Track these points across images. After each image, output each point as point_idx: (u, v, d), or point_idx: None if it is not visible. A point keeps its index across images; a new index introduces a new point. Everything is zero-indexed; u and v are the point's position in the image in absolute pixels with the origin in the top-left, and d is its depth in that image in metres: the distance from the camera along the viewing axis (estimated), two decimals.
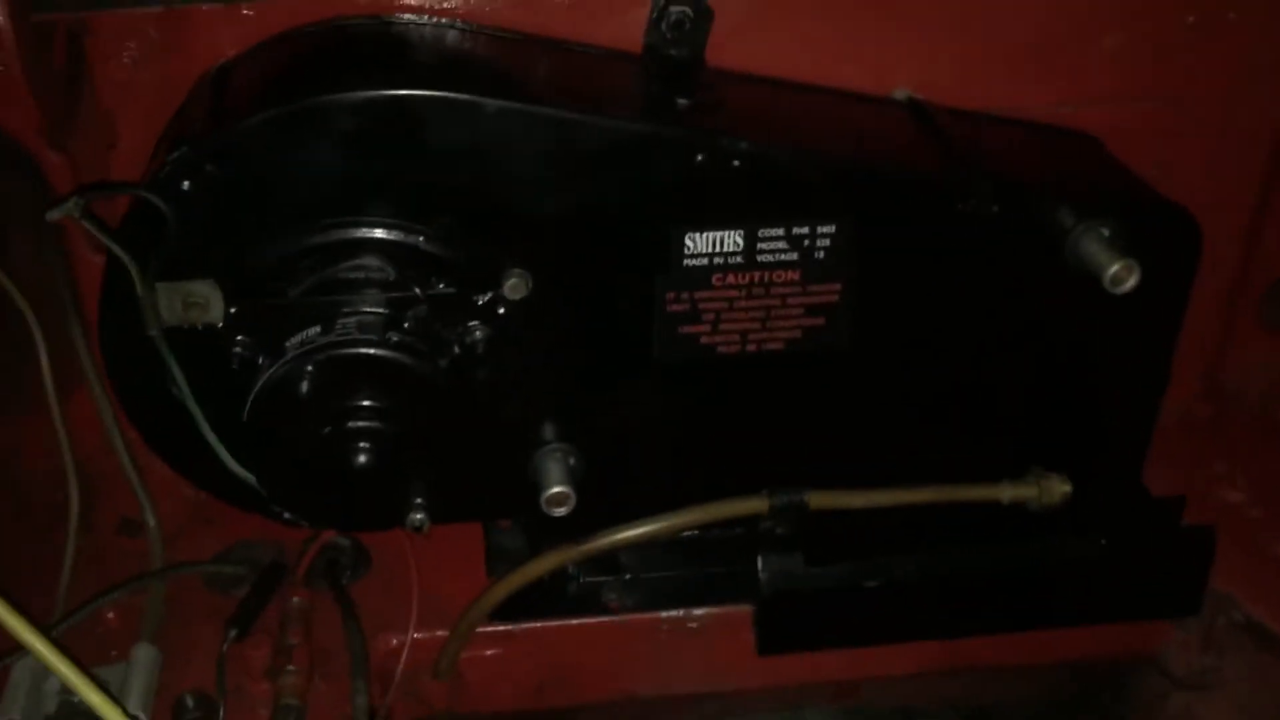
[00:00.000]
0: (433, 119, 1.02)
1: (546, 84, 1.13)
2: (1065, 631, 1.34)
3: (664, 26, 1.18)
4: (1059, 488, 1.23)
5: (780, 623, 1.23)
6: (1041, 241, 1.14)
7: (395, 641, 1.24)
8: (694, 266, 1.12)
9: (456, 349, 1.09)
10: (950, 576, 1.23)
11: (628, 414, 1.20)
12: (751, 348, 1.17)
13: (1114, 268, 1.09)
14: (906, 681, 1.40)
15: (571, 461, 1.19)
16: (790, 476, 1.20)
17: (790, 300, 1.15)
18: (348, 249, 1.05)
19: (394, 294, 1.06)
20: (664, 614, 1.29)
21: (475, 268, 1.08)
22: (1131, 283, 1.09)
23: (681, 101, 1.14)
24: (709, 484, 1.19)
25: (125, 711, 0.94)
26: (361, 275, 1.06)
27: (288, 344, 1.05)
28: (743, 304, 1.15)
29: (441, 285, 1.07)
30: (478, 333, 1.09)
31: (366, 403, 1.06)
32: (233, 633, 1.17)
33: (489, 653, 1.28)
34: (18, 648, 1.11)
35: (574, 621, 1.28)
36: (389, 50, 1.13)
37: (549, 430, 1.18)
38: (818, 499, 1.19)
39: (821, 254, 1.13)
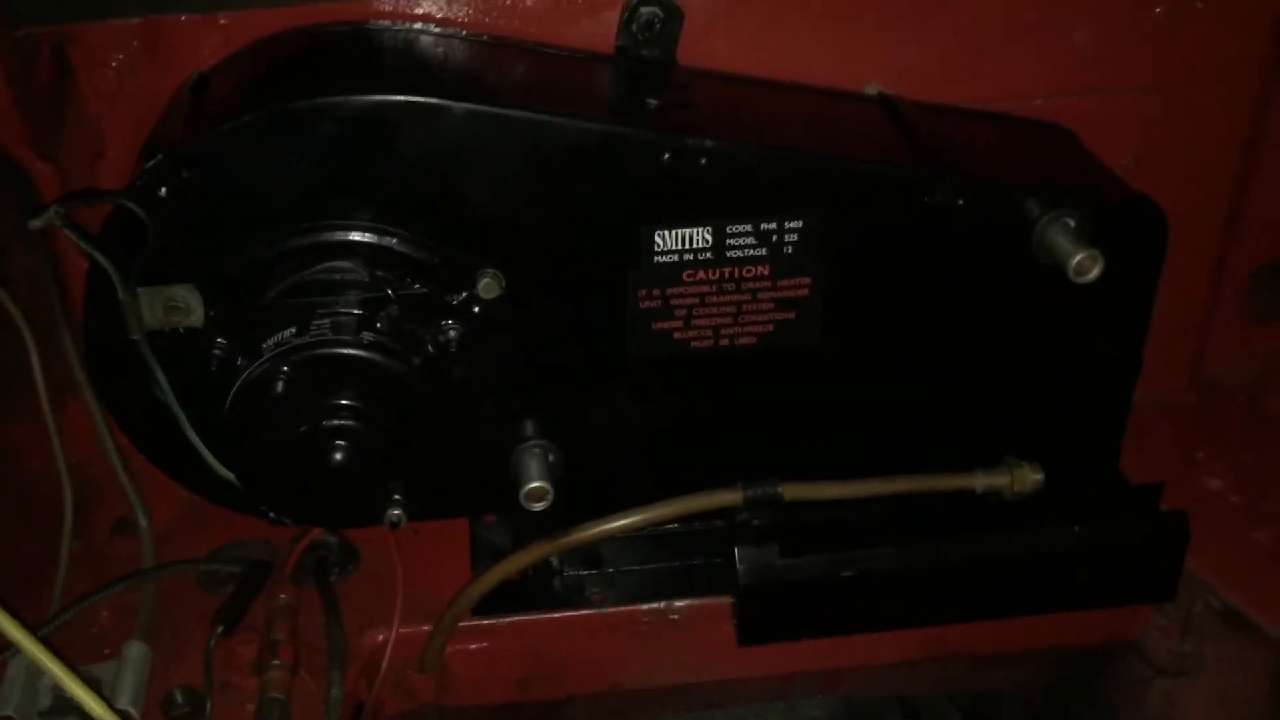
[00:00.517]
0: (403, 123, 1.04)
1: (517, 87, 1.15)
2: (1048, 619, 1.34)
3: (635, 27, 1.21)
4: (1031, 476, 1.24)
5: (758, 613, 1.24)
6: (1009, 233, 1.16)
7: (381, 636, 1.26)
8: (664, 263, 1.14)
9: (431, 348, 1.11)
10: (925, 566, 1.23)
11: (605, 409, 1.22)
12: (724, 342, 1.19)
13: (1078, 257, 1.11)
14: (890, 670, 1.41)
15: (550, 457, 1.21)
16: (766, 469, 1.21)
17: (761, 295, 1.17)
18: (322, 252, 1.08)
19: (368, 295, 1.08)
20: (646, 606, 1.30)
21: (449, 268, 1.10)
22: (1095, 272, 1.11)
23: (651, 102, 1.16)
24: (686, 477, 1.20)
25: (111, 707, 0.97)
26: (336, 277, 1.08)
27: (264, 345, 1.08)
28: (714, 299, 1.17)
29: (416, 286, 1.09)
30: (452, 332, 1.11)
31: (342, 401, 1.09)
32: (219, 629, 1.19)
33: (474, 646, 1.29)
34: (10, 646, 1.15)
35: (557, 615, 1.30)
36: (361, 56, 1.15)
37: (527, 426, 1.21)
38: (792, 491, 1.20)
39: (790, 249, 1.15)
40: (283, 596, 1.23)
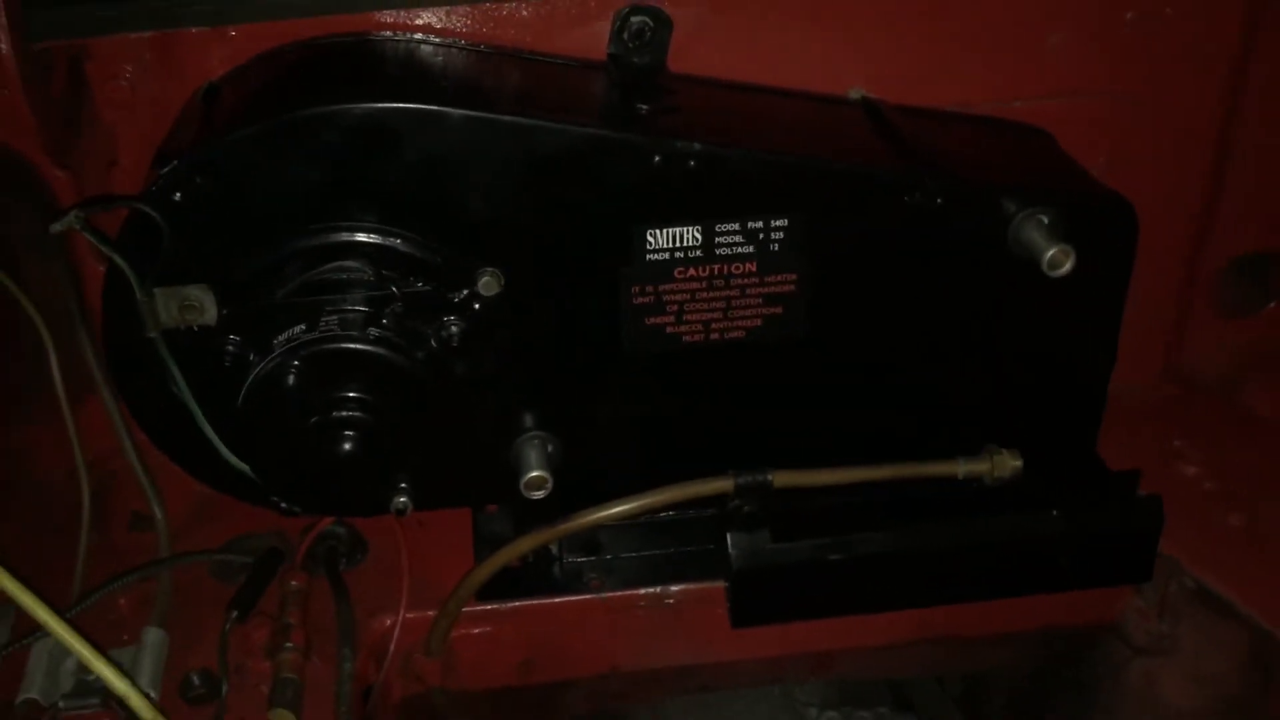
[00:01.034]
0: (404, 129, 1.09)
1: (513, 93, 1.20)
2: (1032, 603, 1.39)
3: (626, 36, 1.25)
4: (1010, 462, 1.29)
5: (750, 596, 1.28)
6: (987, 230, 1.21)
7: (389, 621, 1.31)
8: (656, 261, 1.19)
9: (434, 343, 1.16)
10: (910, 549, 1.27)
11: (601, 401, 1.27)
12: (715, 336, 1.24)
13: (1051, 252, 1.16)
14: (880, 652, 1.46)
15: (549, 448, 1.26)
16: (756, 457, 1.26)
17: (749, 291, 1.22)
18: (330, 252, 1.12)
19: (373, 293, 1.13)
20: (642, 591, 1.35)
21: (450, 267, 1.15)
22: (1068, 266, 1.16)
23: (642, 107, 1.22)
24: (680, 466, 1.25)
25: (134, 683, 1.02)
26: (343, 276, 1.13)
27: (275, 341, 1.13)
28: (704, 295, 1.22)
29: (419, 284, 1.14)
30: (454, 328, 1.16)
31: (350, 394, 1.14)
32: (234, 614, 1.24)
33: (477, 631, 1.34)
34: (35, 631, 1.20)
35: (557, 600, 1.34)
36: (364, 66, 1.20)
37: (526, 418, 1.26)
38: (781, 478, 1.25)
39: (776, 246, 1.20)
40: (294, 583, 1.28)
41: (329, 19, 1.23)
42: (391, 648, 1.30)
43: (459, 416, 1.21)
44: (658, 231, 1.18)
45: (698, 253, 1.19)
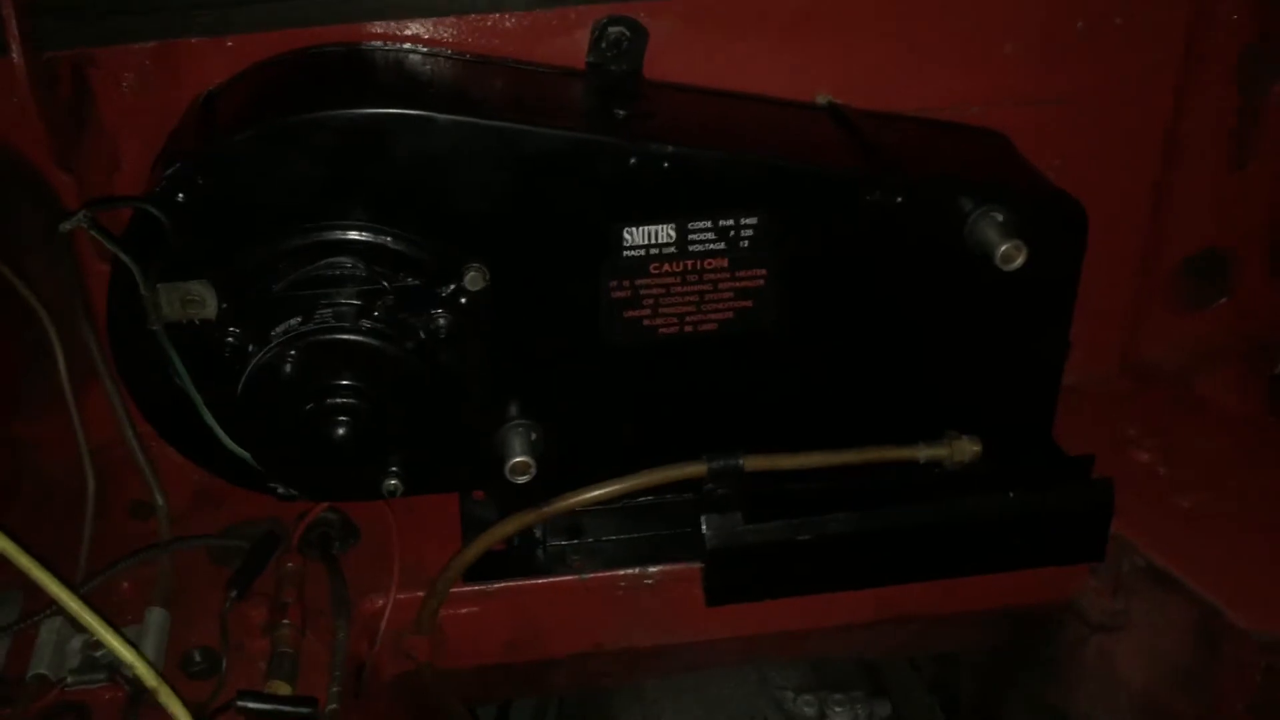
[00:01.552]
0: (394, 133, 1.15)
1: (498, 99, 1.26)
2: (994, 583, 1.45)
3: (604, 45, 1.32)
4: (969, 447, 1.36)
5: (724, 576, 1.34)
6: (944, 227, 1.27)
7: (380, 601, 1.37)
8: (633, 257, 1.25)
9: (422, 334, 1.22)
10: (875, 530, 1.33)
11: (582, 391, 1.34)
12: (689, 329, 1.30)
13: (1004, 247, 1.23)
14: (849, 631, 1.53)
15: (533, 435, 1.32)
16: (729, 443, 1.32)
17: (721, 285, 1.29)
18: (324, 249, 1.19)
19: (365, 287, 1.19)
20: (622, 572, 1.41)
21: (438, 263, 1.21)
22: (1020, 261, 1.23)
23: (619, 112, 1.28)
24: (656, 452, 1.32)
25: (140, 652, 1.09)
26: (336, 272, 1.19)
27: (273, 333, 1.19)
28: (679, 289, 1.28)
29: (408, 279, 1.21)
30: (441, 320, 1.23)
31: (343, 382, 1.20)
32: (233, 594, 1.30)
33: (465, 611, 1.40)
34: (43, 610, 1.27)
35: (541, 581, 1.41)
36: (355, 73, 1.26)
37: (511, 406, 1.32)
38: (752, 462, 1.32)
39: (746, 243, 1.27)
40: (290, 565, 1.35)
41: (322, 29, 1.28)
42: (383, 626, 1.36)
43: (446, 404, 1.27)
44: (634, 229, 1.24)
45: (672, 249, 1.26)
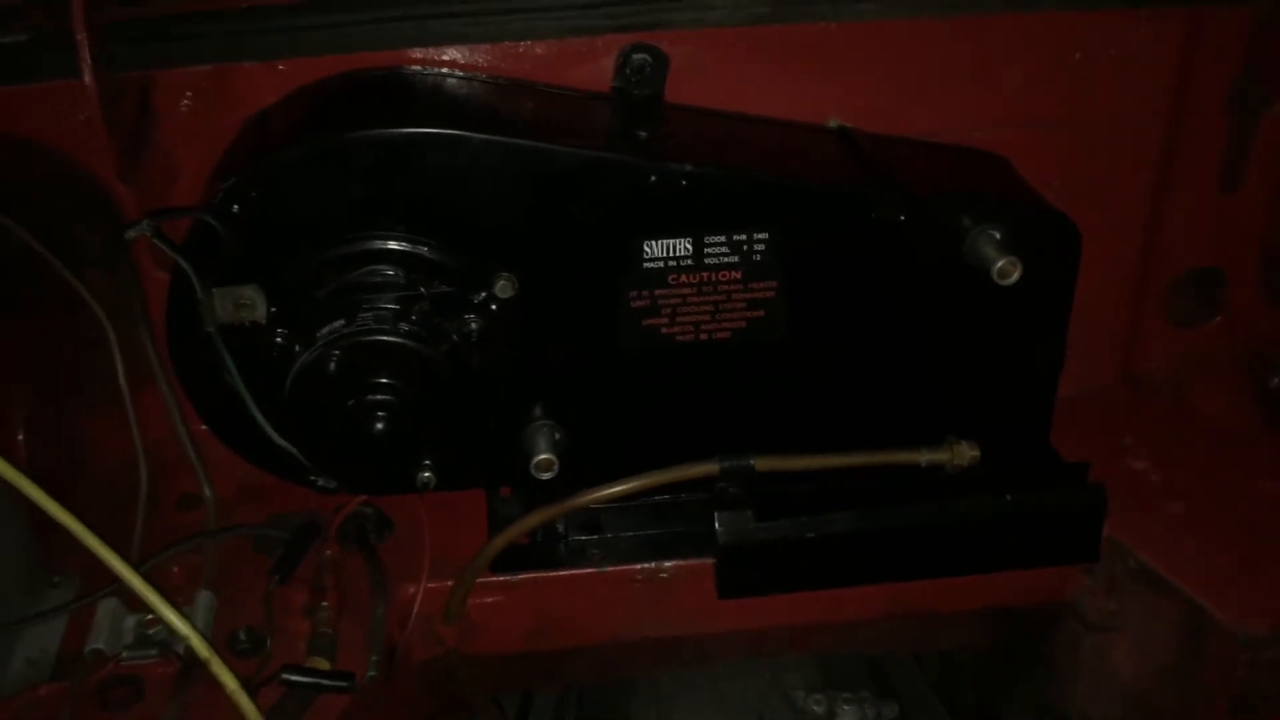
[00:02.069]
0: (432, 151, 1.24)
1: (528, 121, 1.35)
2: (995, 583, 1.52)
3: (628, 71, 1.41)
4: (969, 452, 1.44)
5: (735, 571, 1.41)
6: (945, 243, 1.36)
7: (412, 589, 1.45)
8: (652, 269, 1.34)
9: (455, 338, 1.31)
10: (878, 529, 1.41)
11: (603, 393, 1.42)
12: (704, 337, 1.39)
13: (1000, 263, 1.31)
14: (855, 626, 1.60)
15: (556, 435, 1.41)
16: (741, 444, 1.40)
17: (734, 296, 1.37)
18: (365, 258, 1.28)
19: (403, 293, 1.28)
20: (639, 566, 1.49)
21: (470, 272, 1.30)
22: (1016, 276, 1.31)
23: (641, 133, 1.37)
24: (672, 452, 1.40)
25: (192, 624, 1.18)
26: (377, 279, 1.28)
27: (318, 335, 1.28)
28: (695, 300, 1.37)
29: (443, 286, 1.29)
30: (473, 325, 1.31)
31: (382, 380, 1.29)
32: (276, 578, 1.40)
33: (491, 600, 1.48)
34: (101, 590, 1.36)
35: (562, 573, 1.49)
36: (396, 96, 1.35)
37: (536, 407, 1.41)
38: (763, 462, 1.40)
39: (759, 257, 1.35)
40: (329, 552, 1.43)
41: (366, 55, 1.37)
42: (414, 611, 1.44)
43: (476, 403, 1.36)
44: (653, 242, 1.33)
45: (689, 261, 1.34)
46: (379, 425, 1.30)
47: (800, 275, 1.37)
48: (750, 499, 1.41)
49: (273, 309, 1.29)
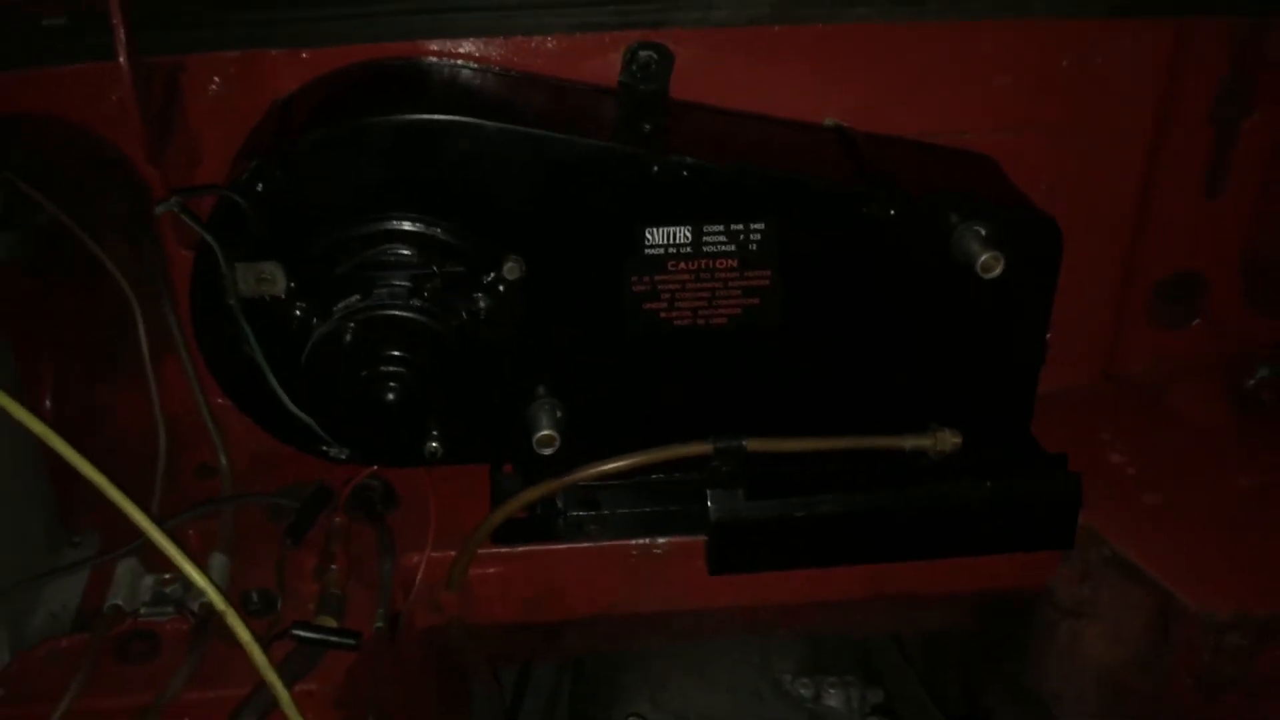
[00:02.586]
0: (447, 137, 1.30)
1: (539, 111, 1.41)
2: (974, 568, 1.59)
3: (634, 67, 1.47)
4: (951, 439, 1.50)
5: (726, 547, 1.48)
6: (932, 238, 1.42)
7: (416, 558, 1.51)
8: (653, 255, 1.41)
9: (464, 315, 1.37)
10: (863, 511, 1.47)
11: (603, 373, 1.49)
12: (701, 321, 1.45)
13: (984, 257, 1.37)
14: (841, 606, 1.66)
15: (558, 412, 1.47)
16: (734, 426, 1.46)
17: (730, 283, 1.43)
18: (382, 237, 1.34)
19: (416, 271, 1.35)
20: (634, 541, 1.54)
21: (480, 253, 1.36)
22: (998, 270, 1.38)
23: (645, 126, 1.43)
24: (667, 431, 1.46)
25: (209, 578, 1.24)
26: (392, 257, 1.34)
27: (335, 309, 1.34)
28: (693, 286, 1.43)
29: (454, 265, 1.36)
30: (481, 303, 1.38)
31: (394, 353, 1.35)
32: (289, 541, 1.46)
33: (491, 571, 1.54)
34: (120, 549, 1.42)
35: (560, 546, 1.55)
36: (413, 85, 1.42)
37: (539, 385, 1.47)
38: (754, 444, 1.45)
39: (754, 246, 1.41)
40: (338, 520, 1.50)
41: (386, 46, 1.44)
42: (419, 577, 1.51)
43: (482, 378, 1.42)
44: (654, 230, 1.39)
45: (688, 249, 1.41)
46: (390, 395, 1.36)
47: (794, 265, 1.43)
48: (742, 479, 1.47)
49: (291, 284, 1.35)
